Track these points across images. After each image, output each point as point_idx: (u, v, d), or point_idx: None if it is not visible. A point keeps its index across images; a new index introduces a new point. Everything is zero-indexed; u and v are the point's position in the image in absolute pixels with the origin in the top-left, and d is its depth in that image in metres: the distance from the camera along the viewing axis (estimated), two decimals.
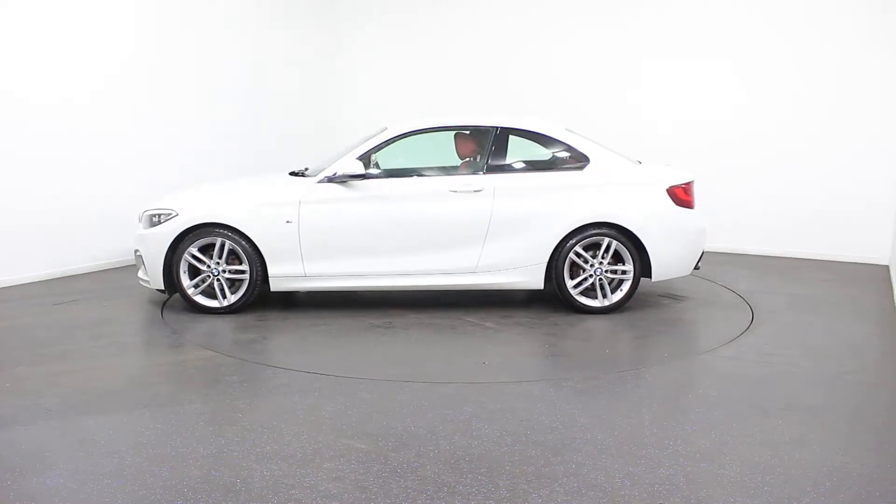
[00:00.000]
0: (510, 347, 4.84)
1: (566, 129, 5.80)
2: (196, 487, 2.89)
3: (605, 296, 5.52)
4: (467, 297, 6.05)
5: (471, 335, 5.10)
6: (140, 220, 5.74)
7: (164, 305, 5.83)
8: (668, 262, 5.54)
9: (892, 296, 6.21)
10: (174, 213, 5.51)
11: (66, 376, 4.18)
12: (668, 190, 5.54)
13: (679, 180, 5.62)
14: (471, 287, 5.59)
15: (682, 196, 5.58)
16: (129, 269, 7.25)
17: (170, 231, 5.46)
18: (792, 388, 4.06)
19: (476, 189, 5.47)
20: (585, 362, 4.53)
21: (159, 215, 5.57)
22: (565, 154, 5.68)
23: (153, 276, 5.55)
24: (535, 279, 5.52)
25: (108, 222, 7.21)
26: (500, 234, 5.46)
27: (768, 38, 7.87)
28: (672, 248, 5.53)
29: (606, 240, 5.43)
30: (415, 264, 5.50)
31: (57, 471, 3.03)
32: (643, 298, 5.99)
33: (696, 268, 5.77)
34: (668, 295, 6.15)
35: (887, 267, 7.42)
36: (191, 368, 4.41)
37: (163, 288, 5.56)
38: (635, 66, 8.49)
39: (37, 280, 6.60)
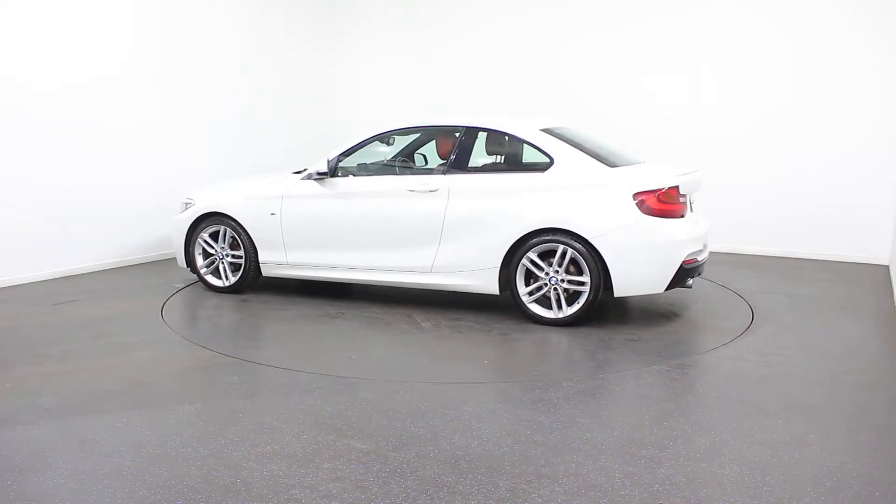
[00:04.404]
0: (409, 348, 4.83)
1: (540, 130, 5.48)
2: (196, 487, 2.89)
3: (559, 307, 5.16)
4: (435, 296, 6.02)
5: (394, 331, 5.17)
6: None
7: (164, 305, 5.83)
8: (631, 276, 5.01)
9: (892, 296, 6.20)
10: (193, 203, 6.31)
11: (66, 376, 4.18)
12: (634, 196, 5.03)
13: (650, 186, 5.05)
14: (427, 287, 5.62)
15: (651, 203, 5.01)
16: (130, 270, 7.25)
17: (188, 217, 6.28)
18: (792, 388, 4.06)
19: (432, 189, 5.47)
20: (465, 370, 4.42)
21: (186, 203, 6.39)
22: (530, 155, 5.51)
23: (178, 255, 6.38)
24: (488, 284, 5.34)
25: (108, 222, 7.20)
26: (455, 236, 5.39)
27: (769, 38, 7.86)
28: (636, 261, 4.99)
29: (561, 247, 5.08)
30: (377, 260, 5.66)
31: (57, 471, 3.03)
32: (638, 297, 5.97)
33: (688, 285, 5.26)
34: (666, 294, 6.11)
35: (887, 267, 7.42)
36: (191, 368, 4.41)
37: (185, 266, 6.34)
38: (637, 66, 8.48)
39: (37, 280, 6.60)
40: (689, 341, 5.10)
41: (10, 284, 6.38)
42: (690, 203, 5.41)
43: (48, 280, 6.65)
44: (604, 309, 5.63)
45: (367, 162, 6.02)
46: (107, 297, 6.10)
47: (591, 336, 5.01)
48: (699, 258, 5.30)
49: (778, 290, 6.44)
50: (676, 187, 5.13)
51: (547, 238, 5.13)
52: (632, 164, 5.55)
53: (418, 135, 6.10)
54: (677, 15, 8.26)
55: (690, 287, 5.30)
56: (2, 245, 6.32)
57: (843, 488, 2.90)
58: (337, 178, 5.80)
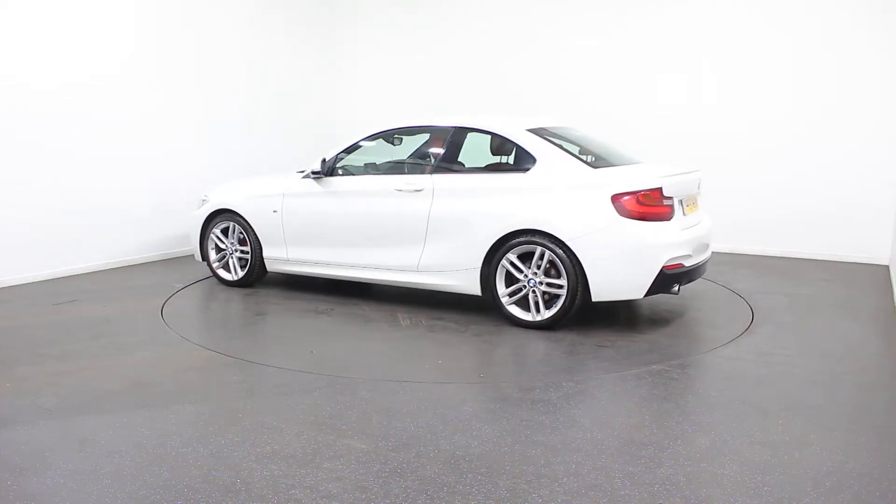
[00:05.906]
0: (374, 344, 4.91)
1: (526, 130, 5.39)
2: (196, 487, 2.89)
3: (538, 310, 5.06)
4: (426, 296, 6.03)
5: (370, 328, 5.25)
6: None
7: (164, 305, 5.83)
8: (608, 280, 4.85)
9: (892, 296, 6.20)
10: (207, 199, 6.61)
11: (66, 376, 4.18)
12: (612, 198, 4.86)
13: (628, 187, 4.86)
14: (414, 286, 5.65)
15: (629, 206, 4.83)
16: (129, 270, 7.26)
17: (202, 214, 6.59)
18: (792, 388, 4.06)
19: (417, 188, 5.50)
20: (413, 369, 4.39)
21: (203, 200, 6.67)
22: (514, 155, 5.46)
23: (194, 249, 6.67)
24: (469, 284, 5.31)
25: (108, 222, 7.21)
26: (438, 235, 5.40)
27: (769, 38, 7.86)
28: (613, 264, 4.83)
29: (539, 249, 4.98)
30: (367, 258, 5.75)
31: (57, 471, 3.03)
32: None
33: (673, 292, 5.05)
34: (666, 294, 6.10)
35: (887, 267, 7.42)
36: (191, 368, 4.41)
37: (201, 259, 6.65)
38: (637, 66, 8.49)
39: (37, 280, 6.60)
40: (688, 341, 5.09)
41: (10, 284, 6.39)
42: (682, 205, 5.20)
43: (48, 280, 6.65)
44: (607, 312, 5.64)
45: (363, 161, 6.08)
46: (107, 297, 6.10)
47: (562, 340, 4.90)
48: (686, 263, 5.04)
49: (778, 290, 6.44)
50: (659, 189, 4.92)
51: (525, 239, 5.05)
52: (627, 164, 5.44)
53: (413, 136, 6.11)
54: (677, 15, 8.26)
55: (676, 293, 5.09)
56: (2, 245, 6.33)
57: (843, 488, 2.90)
58: (332, 177, 5.94)
